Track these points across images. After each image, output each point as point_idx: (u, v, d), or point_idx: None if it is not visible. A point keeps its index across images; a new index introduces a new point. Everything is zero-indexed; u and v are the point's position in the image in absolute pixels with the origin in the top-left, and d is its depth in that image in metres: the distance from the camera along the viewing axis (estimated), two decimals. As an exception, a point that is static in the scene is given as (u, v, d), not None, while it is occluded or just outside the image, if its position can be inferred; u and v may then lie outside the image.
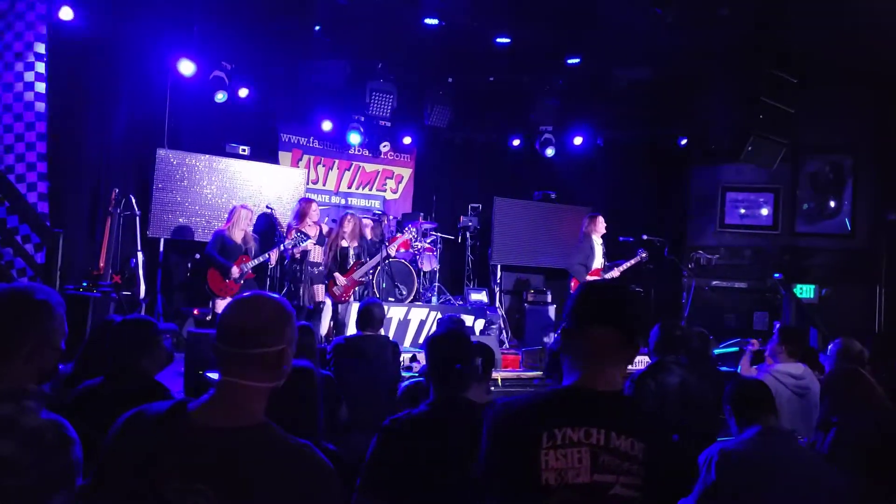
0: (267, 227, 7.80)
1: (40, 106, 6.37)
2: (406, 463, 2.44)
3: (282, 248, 6.80)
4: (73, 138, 7.19)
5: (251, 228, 7.02)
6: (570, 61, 8.13)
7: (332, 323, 7.18)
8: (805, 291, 8.64)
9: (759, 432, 2.65)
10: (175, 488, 1.40)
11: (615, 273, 7.69)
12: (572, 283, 7.84)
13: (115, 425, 1.52)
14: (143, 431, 1.46)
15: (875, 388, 3.32)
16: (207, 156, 8.04)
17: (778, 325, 4.99)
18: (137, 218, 7.10)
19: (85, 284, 6.31)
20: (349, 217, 7.35)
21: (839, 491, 2.52)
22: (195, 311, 7.26)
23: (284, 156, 9.30)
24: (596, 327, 1.64)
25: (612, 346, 1.63)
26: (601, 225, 7.85)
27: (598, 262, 7.78)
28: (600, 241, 7.87)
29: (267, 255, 6.77)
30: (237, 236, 6.77)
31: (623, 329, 1.64)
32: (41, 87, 6.36)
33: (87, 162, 7.45)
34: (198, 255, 7.84)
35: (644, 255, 7.79)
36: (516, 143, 9.77)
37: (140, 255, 6.97)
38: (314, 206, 7.19)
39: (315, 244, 7.08)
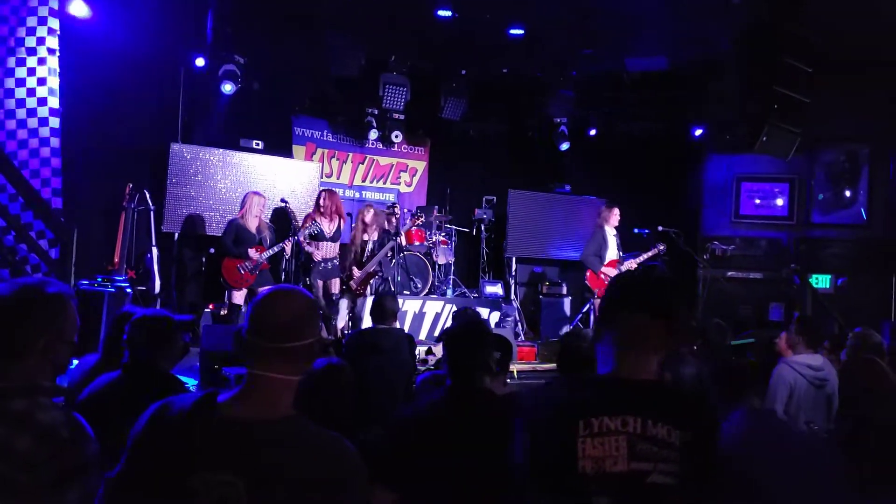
0: (282, 220, 7.83)
1: (53, 101, 6.40)
2: (420, 451, 2.45)
3: (297, 238, 6.81)
4: (86, 133, 7.21)
5: (266, 216, 7.02)
6: (584, 52, 8.08)
7: (349, 316, 7.20)
8: (821, 281, 8.57)
9: (742, 415, 2.65)
10: (204, 480, 1.41)
11: (633, 264, 7.66)
12: (588, 275, 7.82)
13: (144, 416, 1.53)
14: (173, 423, 1.48)
15: (890, 378, 3.29)
16: (221, 150, 8.06)
17: (797, 316, 4.94)
18: (152, 213, 7.13)
19: (100, 280, 6.34)
20: (367, 208, 7.34)
21: (826, 469, 2.52)
22: (210, 306, 7.30)
23: (298, 149, 9.31)
24: (626, 314, 1.65)
25: (644, 332, 1.63)
26: (615, 216, 7.83)
27: (613, 253, 7.75)
28: (614, 231, 7.84)
29: (282, 245, 6.76)
30: (251, 224, 6.76)
31: (654, 314, 1.64)
32: (54, 82, 6.38)
33: (100, 157, 7.47)
34: (212, 250, 7.87)
35: (662, 247, 7.75)
36: (530, 134, 9.72)
37: (154, 250, 7.00)
38: (327, 195, 7.16)
39: (330, 240, 7.08)
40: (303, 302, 1.57)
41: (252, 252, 6.60)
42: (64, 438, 1.64)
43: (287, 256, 7.05)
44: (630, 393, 1.60)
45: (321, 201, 7.13)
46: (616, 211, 7.85)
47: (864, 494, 2.55)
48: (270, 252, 6.73)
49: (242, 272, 6.62)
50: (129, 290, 6.21)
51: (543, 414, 1.62)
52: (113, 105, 7.55)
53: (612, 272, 7.56)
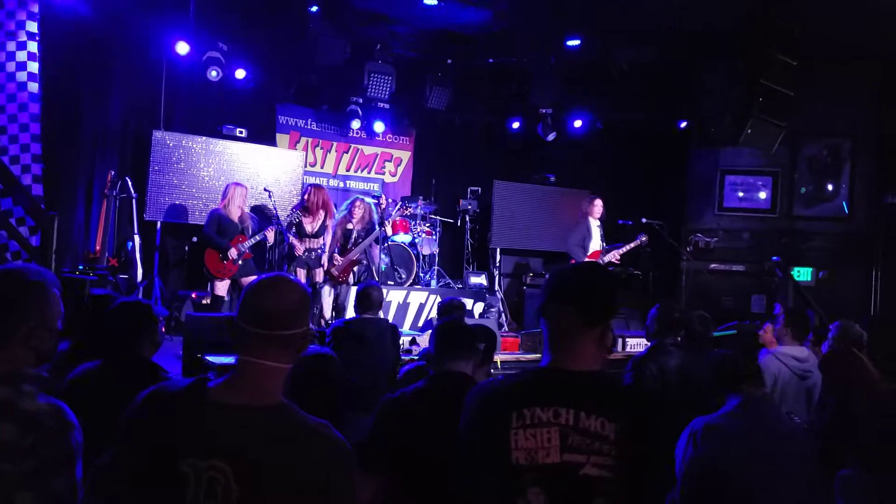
0: (265, 209, 7.79)
1: (33, 86, 6.29)
2: (405, 437, 2.46)
3: (282, 228, 6.78)
4: (67, 120, 7.12)
5: (247, 207, 6.98)
6: (569, 43, 8.07)
7: (333, 305, 7.18)
8: (802, 274, 8.66)
9: (740, 403, 2.68)
10: (194, 465, 1.42)
11: (615, 255, 7.69)
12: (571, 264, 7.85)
13: (135, 402, 1.53)
14: (163, 408, 1.48)
15: (870, 370, 3.34)
16: (204, 138, 7.97)
17: (778, 308, 4.99)
18: (134, 201, 7.05)
19: (81, 268, 6.29)
20: (359, 202, 7.31)
21: (812, 459, 2.57)
22: (193, 295, 7.24)
23: (282, 138, 9.24)
24: (555, 305, 1.65)
25: (573, 324, 1.62)
26: (598, 208, 7.84)
27: (596, 244, 7.78)
28: (597, 223, 7.86)
29: (263, 234, 6.73)
30: (234, 214, 6.74)
31: (580, 307, 1.63)
32: (34, 66, 6.27)
33: (81, 144, 7.38)
34: (195, 239, 7.81)
35: (644, 238, 7.78)
36: (516, 125, 9.70)
37: (137, 238, 6.93)
38: (313, 191, 7.11)
39: (312, 237, 7.02)
40: (296, 290, 1.58)
41: (232, 252, 6.56)
42: (48, 427, 1.63)
43: (270, 244, 7.01)
44: (563, 384, 1.59)
45: (306, 197, 7.09)
46: (599, 202, 7.86)
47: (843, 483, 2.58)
48: (252, 241, 6.69)
49: (225, 262, 6.57)
50: (110, 279, 6.15)
51: (479, 405, 1.63)
52: (94, 91, 7.45)
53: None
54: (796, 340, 4.31)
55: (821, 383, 3.68)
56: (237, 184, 6.94)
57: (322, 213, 7.05)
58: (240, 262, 6.63)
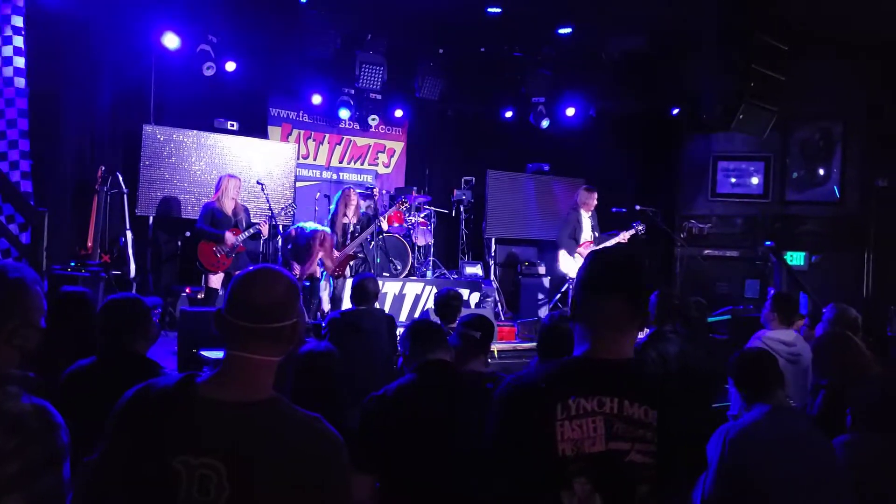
0: (259, 202, 7.75)
1: (20, 81, 6.22)
2: (395, 432, 2.46)
3: (272, 219, 6.76)
4: (56, 115, 7.05)
5: (240, 199, 6.95)
6: (561, 31, 8.04)
7: (330, 298, 7.17)
8: (795, 258, 8.70)
9: (770, 412, 2.57)
10: (185, 463, 1.39)
11: (609, 244, 7.68)
12: (559, 255, 7.82)
13: (123, 400, 1.50)
14: (152, 406, 1.45)
15: (864, 353, 3.35)
16: (195, 131, 7.92)
17: (772, 292, 5.01)
18: (125, 196, 7.00)
19: (73, 264, 6.23)
20: (352, 192, 7.30)
21: (839, 473, 2.52)
22: (187, 290, 7.21)
23: (274, 130, 9.19)
24: (606, 297, 1.63)
25: (624, 315, 1.63)
26: (591, 199, 7.79)
27: (587, 235, 7.76)
28: (589, 214, 7.82)
29: (258, 227, 6.71)
30: (227, 207, 6.72)
31: (633, 298, 1.64)
32: (20, 61, 6.19)
33: (71, 139, 7.31)
34: (188, 233, 7.78)
35: (640, 227, 7.76)
36: (509, 114, 9.67)
37: (129, 234, 6.89)
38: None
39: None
40: (283, 282, 1.54)
41: (228, 236, 6.53)
42: (33, 428, 1.59)
43: (264, 238, 6.99)
44: (605, 373, 1.59)
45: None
46: (593, 193, 7.85)
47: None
48: (246, 235, 6.67)
49: (219, 255, 6.56)
50: (103, 275, 6.11)
51: (520, 398, 1.61)
52: (83, 86, 7.38)
53: (585, 253, 7.58)
54: (783, 324, 4.34)
55: (813, 366, 3.69)
56: (230, 175, 6.91)
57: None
58: (232, 255, 6.61)
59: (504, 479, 1.60)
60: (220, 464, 1.39)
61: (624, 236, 7.70)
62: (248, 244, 6.90)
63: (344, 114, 8.90)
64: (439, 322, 4.27)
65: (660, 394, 1.60)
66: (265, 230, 6.79)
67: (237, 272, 1.58)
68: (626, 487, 1.52)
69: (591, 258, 1.72)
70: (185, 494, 1.38)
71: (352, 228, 7.17)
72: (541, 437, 1.54)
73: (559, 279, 8.38)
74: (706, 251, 9.03)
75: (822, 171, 9.06)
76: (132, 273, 6.81)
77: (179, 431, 1.41)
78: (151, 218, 7.61)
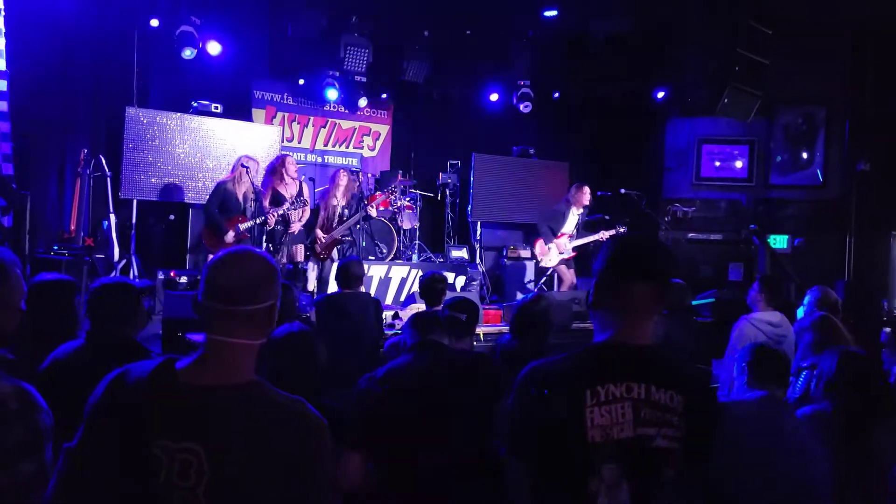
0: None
1: (0, 63, 6.13)
2: (392, 411, 2.47)
3: (281, 211, 6.53)
4: (37, 97, 6.95)
5: (258, 181, 6.74)
6: (547, 13, 8.01)
7: (316, 281, 7.16)
8: (778, 242, 8.79)
9: (765, 397, 2.65)
10: (165, 448, 1.38)
11: (585, 241, 7.59)
12: (536, 242, 7.76)
13: (101, 385, 1.49)
14: (131, 391, 1.44)
15: (845, 335, 3.41)
16: (179, 114, 7.83)
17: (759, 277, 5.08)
18: (108, 179, 6.92)
19: (56, 248, 6.18)
20: (342, 173, 7.24)
21: (823, 471, 2.56)
22: (171, 273, 7.17)
23: (258, 113, 9.12)
24: (634, 283, 1.63)
25: (650, 300, 1.63)
26: (581, 196, 7.67)
27: (568, 229, 7.67)
28: (580, 211, 7.69)
29: (265, 218, 6.44)
30: (239, 191, 6.49)
31: (660, 284, 1.65)
32: (0, 43, 6.11)
33: (53, 121, 7.21)
34: (172, 217, 7.72)
35: (622, 230, 7.66)
36: (494, 97, 9.64)
37: (112, 217, 6.83)
38: (290, 160, 6.96)
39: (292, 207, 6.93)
40: (260, 263, 1.52)
41: (229, 235, 6.34)
42: (13, 410, 1.58)
43: (269, 228, 6.74)
44: (632, 359, 1.60)
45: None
46: (586, 190, 7.68)
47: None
48: (250, 224, 6.41)
49: (223, 240, 6.48)
50: (86, 258, 6.07)
51: (548, 386, 1.60)
52: (65, 68, 7.27)
53: (562, 244, 7.57)
54: (770, 306, 4.42)
55: (794, 348, 3.75)
56: (248, 158, 6.63)
57: (293, 180, 6.87)
58: (237, 238, 6.52)
59: (528, 466, 1.60)
60: (200, 448, 1.38)
61: (603, 235, 7.60)
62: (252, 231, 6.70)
63: (332, 94, 8.80)
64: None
65: (686, 379, 1.63)
66: (272, 221, 6.53)
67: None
68: (653, 472, 1.54)
69: (618, 243, 1.72)
70: (166, 479, 1.37)
71: (340, 211, 7.14)
72: (571, 424, 1.54)
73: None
74: (690, 235, 9.09)
75: (805, 156, 9.14)
76: (115, 257, 6.76)
77: (158, 416, 1.40)
78: (135, 201, 7.54)
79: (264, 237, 6.72)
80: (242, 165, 6.53)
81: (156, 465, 1.37)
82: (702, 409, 1.60)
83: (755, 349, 2.83)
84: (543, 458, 1.57)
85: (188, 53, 7.24)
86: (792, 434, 2.58)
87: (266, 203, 6.65)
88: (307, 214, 7.01)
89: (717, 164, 9.48)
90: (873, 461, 2.67)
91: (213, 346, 1.49)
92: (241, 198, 6.51)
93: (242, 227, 6.42)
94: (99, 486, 1.42)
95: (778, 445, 2.53)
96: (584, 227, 7.75)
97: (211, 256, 6.33)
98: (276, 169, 6.88)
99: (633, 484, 1.53)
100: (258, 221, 6.43)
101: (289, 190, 6.81)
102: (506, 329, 6.75)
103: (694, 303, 6.43)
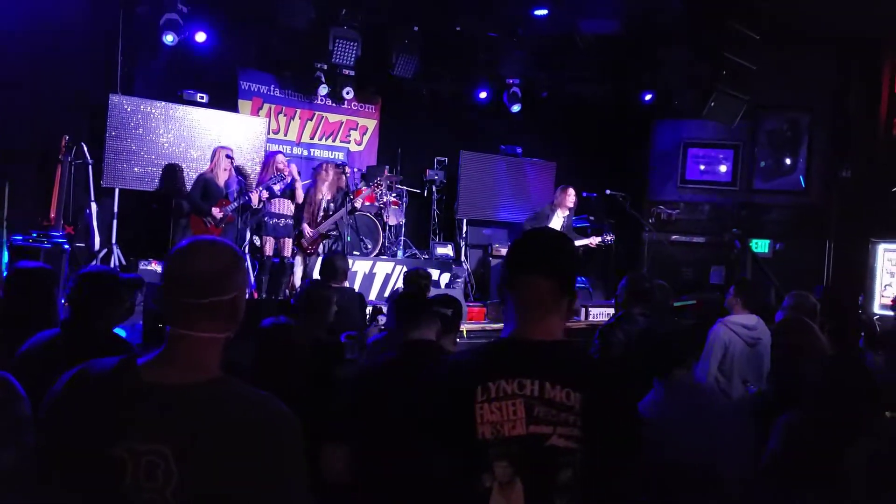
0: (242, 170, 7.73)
1: (-19, 47, 6.04)
2: (376, 407, 2.47)
3: (262, 188, 6.73)
4: (18, 82, 6.85)
5: (234, 171, 6.96)
6: (537, 12, 8.01)
7: (302, 275, 7.15)
8: (760, 246, 8.88)
9: (661, 387, 2.72)
10: (129, 449, 1.32)
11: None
12: None
13: (57, 385, 1.41)
14: (89, 390, 1.37)
15: (820, 339, 3.44)
16: (163, 103, 7.75)
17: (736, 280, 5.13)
18: (90, 167, 6.85)
19: (35, 235, 6.10)
20: (326, 167, 7.27)
21: (742, 442, 2.63)
22: (153, 263, 7.11)
23: (244, 104, 9.04)
24: (527, 276, 1.61)
25: (548, 294, 1.60)
26: (568, 197, 7.67)
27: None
28: (565, 214, 7.70)
29: (247, 196, 6.72)
30: (220, 178, 6.75)
31: (554, 278, 1.60)
32: (-18, 26, 6.01)
33: (34, 107, 7.10)
34: (155, 206, 7.65)
35: (610, 237, 7.66)
36: (483, 95, 9.64)
37: (93, 206, 6.76)
38: (280, 157, 7.12)
39: (279, 196, 6.96)
40: (224, 252, 1.44)
41: (215, 211, 6.60)
42: None
43: (255, 206, 6.96)
44: (527, 355, 1.56)
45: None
46: (570, 192, 7.69)
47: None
48: (235, 204, 6.72)
49: (209, 226, 6.62)
50: (66, 247, 5.99)
51: (442, 379, 1.60)
52: (47, 52, 7.15)
53: None
54: (746, 309, 4.46)
55: (771, 350, 3.78)
56: (222, 147, 6.95)
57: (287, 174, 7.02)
58: (222, 225, 6.67)
59: (430, 462, 1.59)
60: (167, 449, 1.31)
61: (592, 241, 7.60)
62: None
63: (322, 90, 8.74)
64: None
65: (587, 377, 1.56)
66: (255, 199, 6.78)
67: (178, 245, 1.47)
68: (548, 472, 1.49)
69: (520, 236, 1.71)
70: (132, 481, 1.31)
71: (325, 205, 7.12)
72: (461, 419, 1.51)
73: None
74: (673, 237, 9.16)
75: (788, 161, 9.23)
76: (96, 246, 6.69)
77: (121, 417, 1.33)
78: (117, 190, 7.46)
79: (249, 229, 6.78)
80: (222, 149, 6.84)
81: (120, 468, 1.31)
82: (605, 408, 1.52)
83: (640, 342, 2.94)
84: (441, 454, 1.56)
85: (170, 39, 7.17)
86: (699, 417, 2.63)
87: (254, 195, 6.79)
88: (300, 193, 7.10)
89: (702, 167, 9.55)
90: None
91: (175, 339, 1.41)
92: (222, 185, 6.71)
93: (227, 208, 6.65)
94: (60, 490, 1.35)
95: (686, 431, 2.56)
96: (572, 233, 7.77)
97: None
98: (266, 167, 7.10)
99: (527, 483, 1.48)
100: (241, 202, 6.74)
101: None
102: (489, 327, 6.79)
103: (675, 304, 6.47)
